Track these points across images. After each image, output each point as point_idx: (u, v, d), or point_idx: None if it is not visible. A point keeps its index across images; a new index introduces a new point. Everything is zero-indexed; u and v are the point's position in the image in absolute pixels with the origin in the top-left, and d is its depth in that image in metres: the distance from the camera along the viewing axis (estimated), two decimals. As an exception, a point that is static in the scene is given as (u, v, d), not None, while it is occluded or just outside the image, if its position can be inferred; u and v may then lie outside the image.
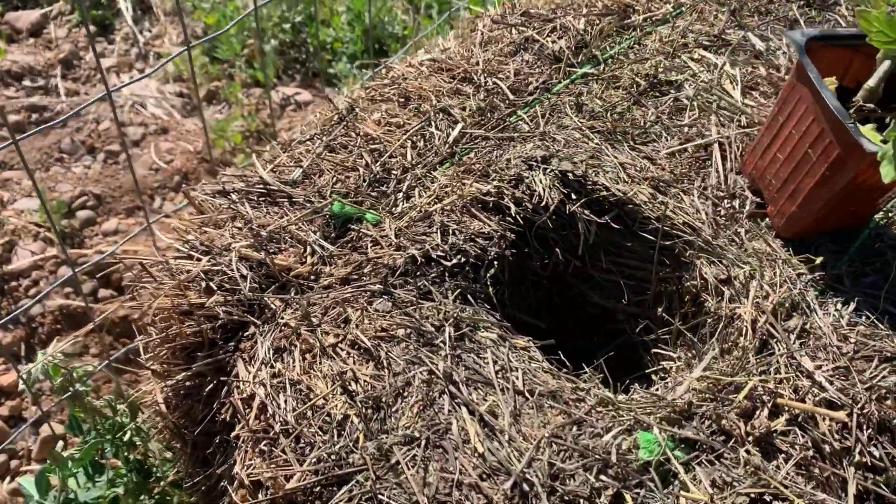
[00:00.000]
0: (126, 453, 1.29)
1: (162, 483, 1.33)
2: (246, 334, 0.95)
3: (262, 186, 1.07)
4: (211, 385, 0.96)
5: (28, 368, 1.07)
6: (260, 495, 0.84)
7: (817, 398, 0.84)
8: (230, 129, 2.59)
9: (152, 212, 2.42)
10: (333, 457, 0.81)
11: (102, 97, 1.33)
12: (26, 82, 2.84)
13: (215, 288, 0.96)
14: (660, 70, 1.24)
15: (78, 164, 2.52)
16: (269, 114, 2.66)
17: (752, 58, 1.28)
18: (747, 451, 0.80)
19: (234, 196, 1.07)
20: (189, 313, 0.97)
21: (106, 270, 2.17)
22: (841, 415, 0.81)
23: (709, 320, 0.98)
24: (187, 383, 0.99)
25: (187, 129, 2.71)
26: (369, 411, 0.83)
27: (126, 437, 1.25)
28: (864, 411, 0.82)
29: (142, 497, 1.32)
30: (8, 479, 1.84)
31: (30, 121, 2.64)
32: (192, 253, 1.01)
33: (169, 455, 1.24)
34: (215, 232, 1.02)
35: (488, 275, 1.01)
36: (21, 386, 1.78)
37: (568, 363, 0.97)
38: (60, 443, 1.08)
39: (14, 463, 1.88)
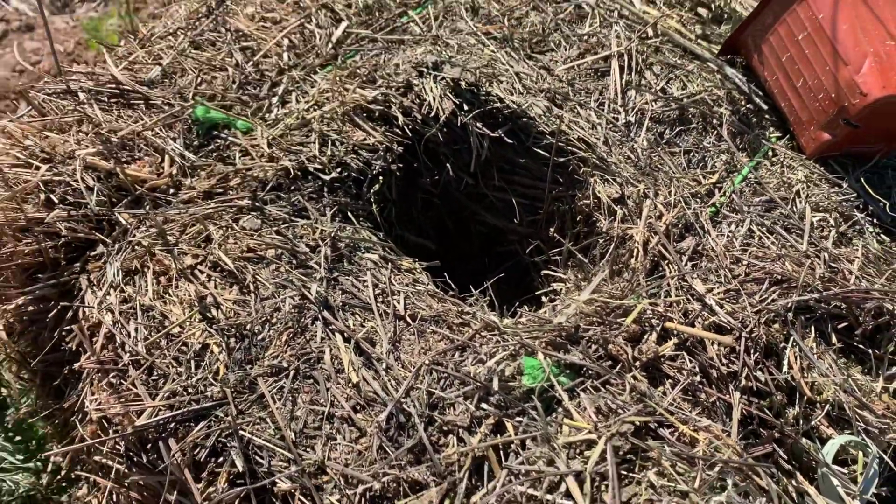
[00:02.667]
0: (-25, 385, 1.17)
1: (17, 412, 1.22)
2: (93, 254, 0.84)
3: (114, 86, 0.94)
4: (56, 310, 0.85)
5: None
6: (110, 431, 0.75)
7: (706, 322, 0.81)
8: (105, 29, 2.35)
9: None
10: (190, 390, 0.72)
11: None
12: None
13: (57, 201, 0.84)
14: (562, -27, 1.16)
15: (-75, 62, 2.24)
16: (150, 14, 2.43)
17: (658, -35, 1.22)
18: (634, 377, 0.77)
19: (81, 96, 0.93)
20: (26, 230, 0.85)
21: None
22: (729, 339, 0.78)
23: (600, 241, 0.94)
24: (30, 308, 0.88)
25: (57, 28, 2.45)
26: (232, 340, 0.75)
27: (-29, 368, 1.12)
28: (753, 335, 0.80)
29: (-3, 430, 1.21)
30: None
31: None
32: (30, 160, 0.88)
33: (19, 386, 1.13)
34: (58, 137, 0.89)
35: (372, 191, 0.93)
36: None
37: (454, 286, 0.91)
38: None
39: None
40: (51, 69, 2.31)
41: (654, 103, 1.02)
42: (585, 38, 1.08)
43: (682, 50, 1.09)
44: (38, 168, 0.86)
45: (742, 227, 0.92)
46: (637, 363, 0.79)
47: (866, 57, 0.92)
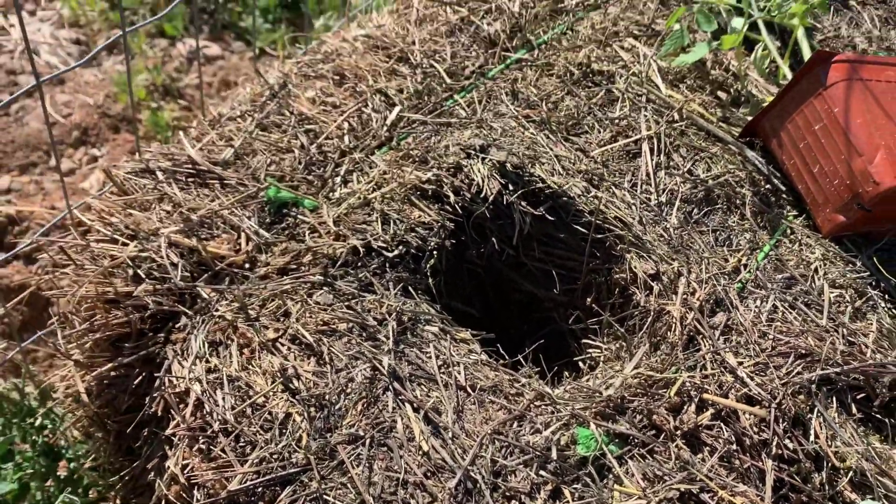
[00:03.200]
0: (34, 437, 1.23)
1: (73, 465, 1.28)
2: (177, 325, 0.91)
3: (190, 166, 1.02)
4: (139, 377, 0.92)
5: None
6: (196, 493, 0.82)
7: (739, 393, 0.89)
8: (134, 84, 2.44)
9: (49, 169, 2.27)
10: (276, 456, 0.79)
11: None
12: None
13: (143, 276, 0.92)
14: (592, 59, 1.25)
15: (-38, 114, 2.32)
16: (175, 67, 2.53)
17: (682, 48, 1.32)
18: (677, 446, 0.84)
19: (159, 175, 1.02)
20: (115, 302, 0.92)
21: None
22: (761, 411, 0.86)
23: (636, 313, 1.02)
24: (112, 374, 0.95)
25: (86, 81, 2.54)
26: (312, 409, 0.82)
27: (36, 423, 1.19)
28: (781, 406, 0.88)
29: (48, 481, 1.26)
30: None
31: None
32: (116, 237, 0.95)
33: (81, 438, 1.19)
34: (141, 215, 0.97)
35: (428, 265, 1.01)
36: None
37: (505, 354, 0.99)
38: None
39: None
40: (81, 121, 2.40)
41: (682, 184, 1.11)
42: (617, 121, 1.17)
43: (706, 133, 1.19)
44: (124, 244, 0.94)
45: (767, 302, 1.00)
46: (679, 432, 0.86)
47: (879, 149, 1.01)
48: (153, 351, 0.91)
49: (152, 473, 0.93)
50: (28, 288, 1.94)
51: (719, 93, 1.28)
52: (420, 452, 0.80)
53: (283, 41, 2.74)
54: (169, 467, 0.85)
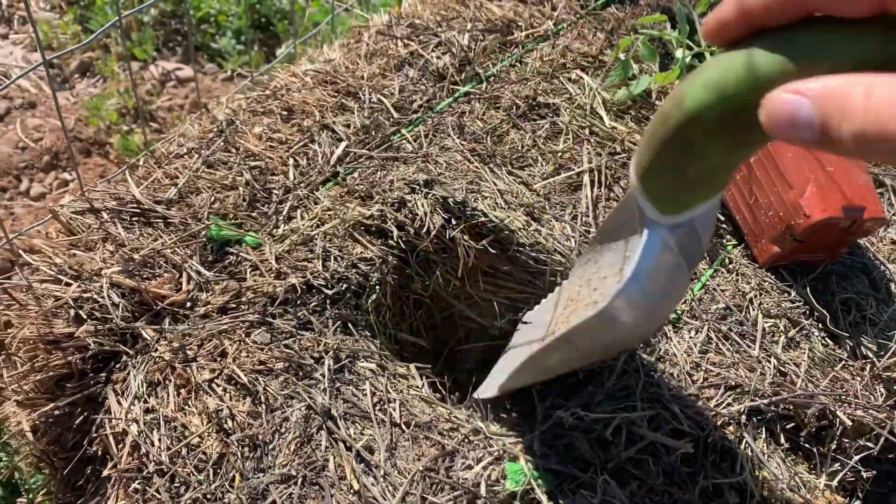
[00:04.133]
0: (-10, 470, 1.24)
1: (30, 496, 1.28)
2: (118, 365, 0.93)
3: (135, 205, 1.04)
4: (81, 416, 0.94)
5: None
6: (133, 534, 0.83)
7: (668, 427, 0.91)
8: (105, 107, 2.46)
9: (18, 194, 2.28)
10: (209, 497, 0.81)
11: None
12: None
13: (85, 316, 0.93)
14: (539, 92, 1.28)
15: (-69, 140, 2.33)
16: (147, 90, 2.55)
17: (626, 80, 1.34)
18: (605, 480, 0.86)
19: (104, 215, 1.03)
20: (56, 343, 0.93)
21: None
22: (688, 447, 0.88)
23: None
24: (56, 412, 0.96)
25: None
26: (245, 449, 0.84)
27: (-11, 456, 1.20)
28: (709, 440, 0.90)
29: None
30: None
31: None
32: (59, 277, 0.97)
33: (33, 473, 1.20)
34: (85, 255, 0.99)
35: (370, 301, 1.03)
36: None
37: (446, 386, 1.01)
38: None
39: None
40: (52, 146, 2.41)
41: (622, 217, 1.13)
42: (560, 154, 1.20)
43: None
44: (67, 284, 0.96)
45: (700, 333, 1.03)
46: (608, 465, 0.88)
47: (808, 182, 1.04)
48: (95, 391, 0.93)
49: (96, 512, 0.94)
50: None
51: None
52: (351, 491, 0.82)
53: (257, 63, 2.76)
54: (108, 507, 0.87)
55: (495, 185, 1.13)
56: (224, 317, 0.95)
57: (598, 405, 0.93)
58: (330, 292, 0.99)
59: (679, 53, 1.27)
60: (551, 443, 0.90)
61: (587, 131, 1.23)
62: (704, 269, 1.11)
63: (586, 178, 1.16)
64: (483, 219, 1.10)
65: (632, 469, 0.89)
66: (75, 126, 2.46)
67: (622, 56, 1.31)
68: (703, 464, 0.90)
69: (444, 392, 1.01)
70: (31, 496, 1.26)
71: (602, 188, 1.16)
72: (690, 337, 1.03)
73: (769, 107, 0.44)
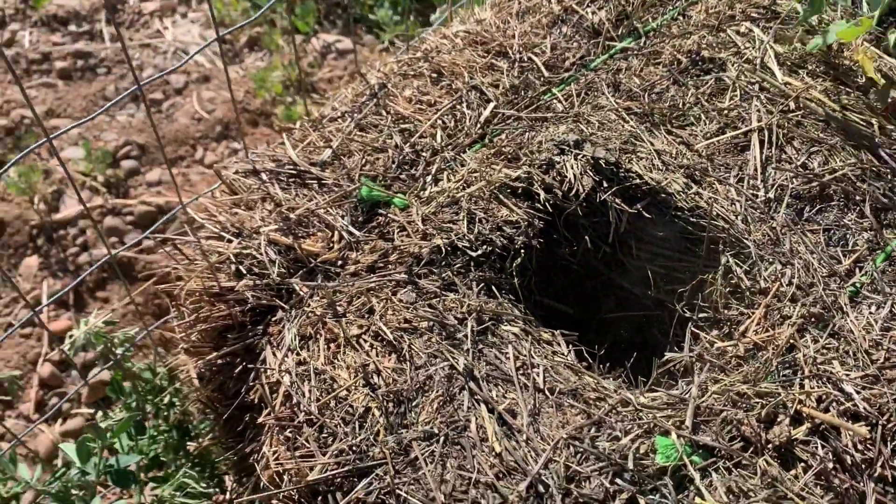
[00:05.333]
0: (165, 414, 1.35)
1: (200, 440, 1.39)
2: (274, 318, 0.97)
3: (291, 167, 1.07)
4: (241, 365, 0.99)
5: (71, 341, 1.12)
6: (285, 479, 0.87)
7: (842, 408, 0.83)
8: (270, 79, 2.58)
9: (194, 162, 2.45)
10: (355, 449, 0.83)
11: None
12: (72, 27, 2.86)
13: (244, 271, 0.98)
14: (703, 46, 1.19)
15: (122, 113, 2.55)
16: (308, 62, 2.64)
17: (804, 32, 1.22)
18: (766, 461, 0.80)
19: (264, 176, 1.07)
20: (219, 296, 0.99)
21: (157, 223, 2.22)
22: (863, 430, 0.80)
23: (736, 316, 0.97)
24: (219, 361, 1.02)
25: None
26: (390, 405, 0.85)
27: (166, 400, 1.30)
28: (890, 424, 0.81)
29: (179, 453, 1.38)
30: (60, 420, 1.94)
31: (75, 67, 2.67)
32: (222, 234, 1.02)
33: (200, 418, 1.29)
34: (245, 213, 1.03)
35: (514, 265, 1.01)
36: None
37: (592, 356, 0.97)
38: (100, 413, 1.12)
39: (66, 406, 1.97)
40: (224, 117, 2.56)
41: (794, 180, 1.03)
42: (725, 112, 1.11)
43: (826, 123, 1.10)
44: (230, 241, 1.01)
45: (883, 309, 0.92)
46: (770, 446, 0.82)
47: None
48: (252, 342, 0.97)
49: (254, 456, 1.00)
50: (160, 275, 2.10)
51: (845, 79, 1.18)
52: (493, 453, 0.81)
53: (413, 32, 2.79)
54: (264, 452, 0.91)
55: (652, 144, 1.07)
56: (372, 275, 0.96)
57: (760, 380, 0.86)
58: (474, 254, 0.98)
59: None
60: (707, 418, 0.84)
61: (756, 87, 1.13)
62: (891, 239, 1.00)
63: (755, 138, 1.07)
64: (637, 181, 1.04)
65: (798, 452, 0.81)
66: (244, 98, 2.60)
67: (798, 5, 1.19)
68: (881, 451, 0.81)
69: (591, 361, 0.97)
70: (199, 440, 1.36)
71: (773, 148, 1.07)
72: (871, 313, 0.92)
73: None
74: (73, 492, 1.11)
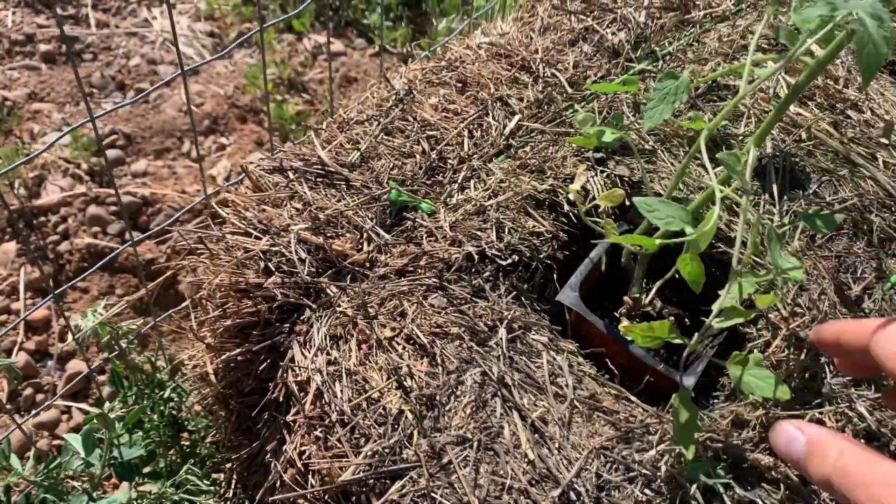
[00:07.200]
0: (161, 408, 1.33)
1: (194, 437, 1.37)
2: (302, 317, 0.97)
3: (319, 167, 1.08)
4: (265, 362, 0.98)
5: (81, 331, 1.10)
6: (311, 479, 0.87)
7: (857, 427, 0.87)
8: (261, 77, 2.56)
9: (180, 155, 2.42)
10: (388, 451, 0.83)
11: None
12: (57, 9, 2.80)
13: (273, 269, 0.98)
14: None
15: (108, 101, 2.50)
16: (300, 62, 2.63)
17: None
18: (787, 476, 0.83)
19: (291, 174, 1.07)
20: (246, 292, 0.98)
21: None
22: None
23: (753, 337, 1.00)
24: (239, 358, 1.01)
25: (217, 72, 2.68)
26: (423, 408, 0.86)
27: (165, 394, 1.28)
28: (902, 446, 0.85)
29: (171, 450, 1.36)
30: (33, 412, 1.89)
31: (60, 51, 2.62)
32: (249, 230, 1.02)
33: (203, 414, 1.28)
34: (273, 211, 1.03)
35: (537, 275, 1.02)
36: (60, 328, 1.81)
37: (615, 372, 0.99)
38: (107, 405, 1.10)
39: (39, 397, 1.92)
40: (212, 111, 2.54)
41: (807, 207, 1.07)
42: (740, 138, 1.15)
43: (834, 154, 1.15)
44: (257, 238, 1.00)
45: (892, 335, 0.96)
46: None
47: None
48: (278, 340, 0.97)
49: (269, 455, 0.99)
50: (157, 265, 2.07)
51: (850, 112, 1.23)
52: (525, 460, 0.83)
53: (404, 39, 2.80)
54: (287, 451, 0.91)
55: (672, 165, 1.10)
56: (402, 279, 0.97)
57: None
58: (504, 263, 1.00)
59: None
60: (737, 433, 0.87)
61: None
62: (895, 269, 1.05)
63: (770, 166, 1.11)
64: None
65: (815, 469, 0.85)
66: (233, 93, 2.58)
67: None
68: None
69: (615, 372, 0.99)
70: (194, 436, 1.35)
71: (786, 175, 1.11)
72: (880, 338, 0.96)
73: (777, 430, 0.66)
74: (75, 484, 1.09)
